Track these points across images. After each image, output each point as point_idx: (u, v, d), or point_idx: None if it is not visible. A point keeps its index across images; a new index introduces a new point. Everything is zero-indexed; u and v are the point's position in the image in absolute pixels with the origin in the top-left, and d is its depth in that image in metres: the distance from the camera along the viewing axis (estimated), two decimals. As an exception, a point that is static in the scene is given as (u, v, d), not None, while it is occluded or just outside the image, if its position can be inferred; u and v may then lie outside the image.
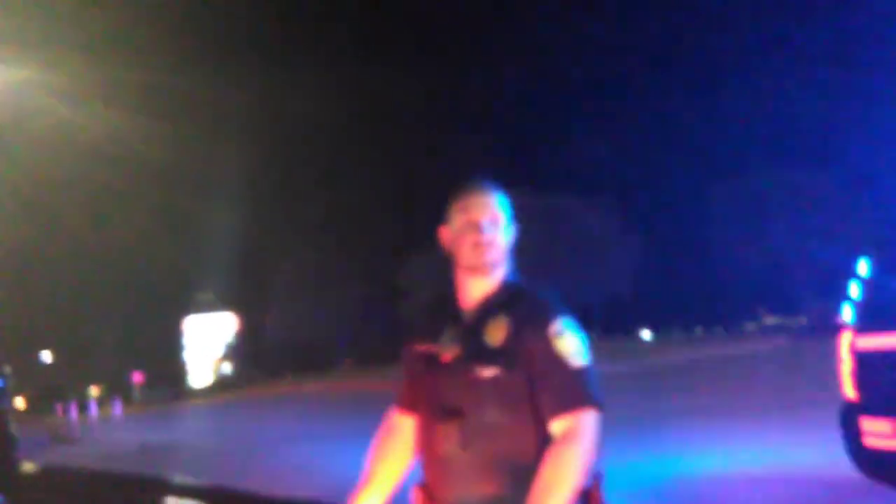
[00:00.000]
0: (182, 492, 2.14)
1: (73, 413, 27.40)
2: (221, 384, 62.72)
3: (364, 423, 3.75)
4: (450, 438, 1.81)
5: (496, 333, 1.84)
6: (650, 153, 59.80)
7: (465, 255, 1.92)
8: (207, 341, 72.40)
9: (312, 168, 70.17)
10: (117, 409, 29.26)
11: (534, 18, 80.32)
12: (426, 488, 1.90)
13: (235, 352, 70.77)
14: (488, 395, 1.80)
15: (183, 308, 70.24)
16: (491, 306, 1.89)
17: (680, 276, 58.85)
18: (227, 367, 70.93)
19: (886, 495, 4.69)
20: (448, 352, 1.88)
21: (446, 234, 2.00)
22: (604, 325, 54.43)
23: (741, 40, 67.54)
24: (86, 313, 55.21)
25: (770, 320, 57.12)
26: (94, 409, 30.50)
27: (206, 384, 65.70)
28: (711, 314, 59.23)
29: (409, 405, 2.02)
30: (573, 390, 1.79)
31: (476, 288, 1.93)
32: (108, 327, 58.65)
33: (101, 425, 25.14)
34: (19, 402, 45.74)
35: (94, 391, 52.46)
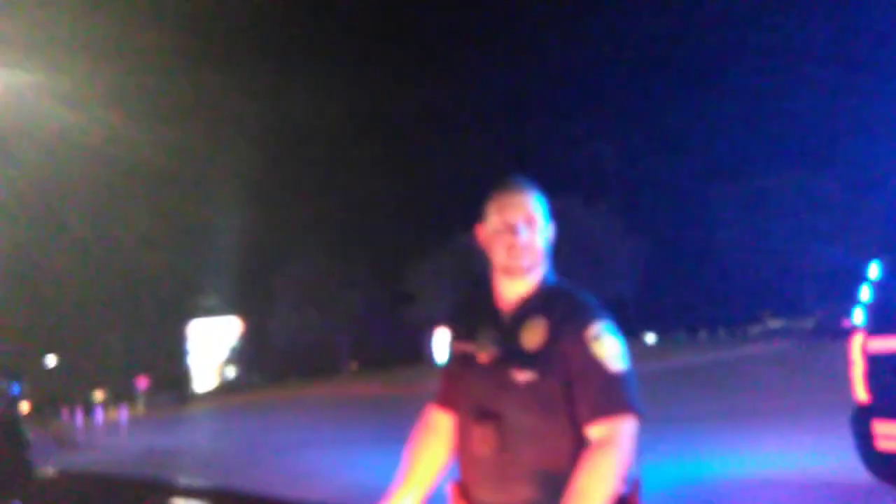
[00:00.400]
0: (196, 495, 2.12)
1: (79, 418, 27.43)
2: (226, 388, 62.77)
3: (368, 428, 3.75)
4: (485, 440, 1.81)
5: (533, 336, 1.82)
6: (654, 155, 59.84)
7: (500, 257, 1.90)
8: (212, 346, 72.50)
9: (318, 173, 70.35)
10: (123, 413, 29.24)
11: (538, 19, 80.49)
12: (462, 486, 1.89)
13: (240, 356, 70.82)
14: (524, 399, 1.78)
15: (187, 313, 70.38)
16: (528, 308, 1.87)
17: (684, 279, 58.87)
18: (232, 372, 70.99)
19: (899, 499, 4.66)
20: (485, 353, 1.86)
21: (482, 233, 1.98)
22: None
23: (747, 42, 67.63)
24: (90, 318, 55.35)
25: (774, 323, 56.89)
26: (99, 414, 30.51)
27: (210, 388, 65.75)
28: (715, 317, 59.13)
29: (448, 402, 2.01)
30: (610, 396, 1.75)
31: (512, 289, 1.91)
32: (113, 332, 58.81)
33: (107, 430, 25.13)
34: (24, 407, 45.78)
35: (98, 396, 52.53)
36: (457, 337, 1.98)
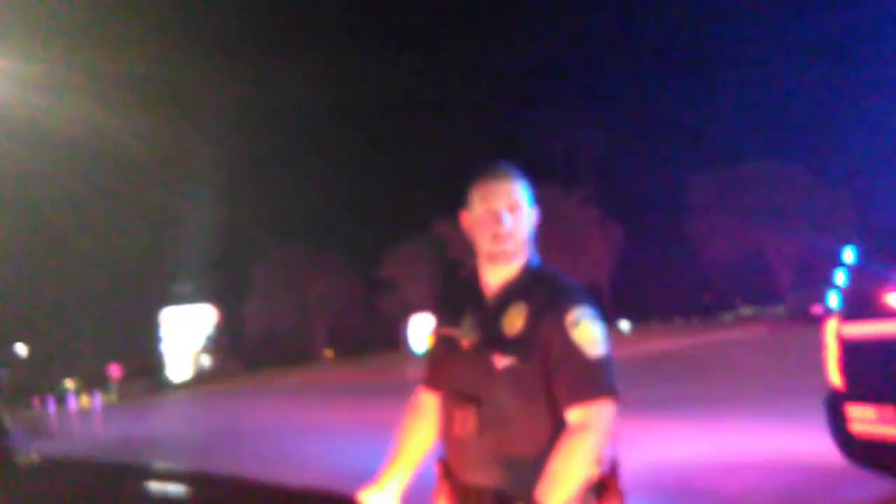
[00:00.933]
0: (177, 478, 2.11)
1: (51, 407, 27.09)
2: (201, 376, 62.33)
3: (344, 414, 3.76)
4: (466, 424, 1.84)
5: (514, 322, 1.83)
6: (631, 143, 60.16)
7: (484, 244, 1.92)
8: (186, 333, 71.87)
9: (294, 161, 69.74)
10: (97, 401, 28.93)
11: (517, 4, 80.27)
12: (445, 465, 1.94)
13: (215, 344, 70.33)
14: (504, 383, 1.80)
15: (161, 300, 69.68)
16: (511, 293, 1.88)
17: (658, 266, 59.46)
18: (207, 360, 70.48)
19: (872, 481, 4.76)
20: (467, 338, 1.89)
21: (466, 220, 1.99)
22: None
23: (728, 31, 68.13)
24: (62, 305, 54.56)
25: (746, 310, 57.80)
26: (72, 403, 30.16)
27: (185, 377, 65.23)
28: (689, 304, 59.89)
29: (434, 384, 2.06)
30: (589, 380, 1.77)
31: (496, 276, 1.92)
32: (85, 319, 58.05)
33: (80, 418, 24.86)
34: None
35: (70, 384, 51.89)
36: (441, 322, 2.01)
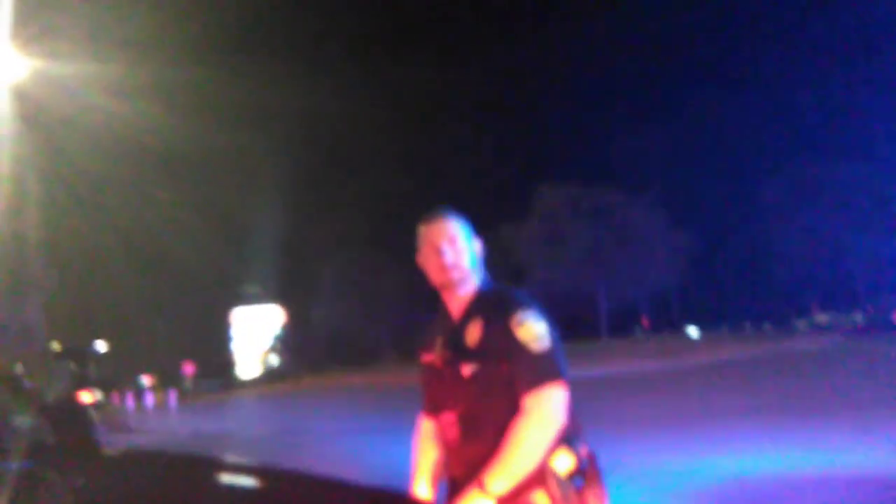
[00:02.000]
0: (253, 473, 2.20)
1: (129, 402, 28.17)
2: (269, 376, 63.75)
3: (406, 416, 3.83)
4: (450, 430, 2.10)
5: (473, 333, 2.08)
6: (698, 147, 58.81)
7: (434, 276, 2.20)
8: (255, 333, 73.65)
9: (362, 162, 70.74)
10: (172, 399, 29.95)
11: (581, 12, 79.49)
12: (452, 479, 2.15)
13: (283, 344, 71.83)
14: (473, 389, 2.05)
15: (231, 301, 71.58)
16: (470, 312, 2.14)
17: (729, 273, 57.83)
18: (275, 359, 72.07)
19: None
20: (439, 356, 2.16)
21: (419, 259, 2.25)
22: (650, 321, 53.70)
23: (803, 27, 65.78)
24: (138, 305, 56.68)
25: (822, 318, 55.55)
26: (149, 399, 31.29)
27: (254, 375, 66.86)
28: (761, 311, 57.97)
29: (428, 409, 2.29)
30: (536, 370, 1.99)
31: (454, 301, 2.19)
32: (160, 319, 60.14)
33: (156, 415, 25.79)
34: (86, 397, 46.92)
35: (146, 381, 53.82)
36: (425, 349, 2.26)
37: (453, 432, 2.09)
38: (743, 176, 55.74)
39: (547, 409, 1.96)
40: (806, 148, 56.29)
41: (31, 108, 18.87)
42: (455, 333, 2.14)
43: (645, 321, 55.14)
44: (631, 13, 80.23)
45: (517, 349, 2.00)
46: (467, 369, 2.05)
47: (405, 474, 2.26)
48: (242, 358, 73.83)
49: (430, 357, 2.21)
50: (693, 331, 54.29)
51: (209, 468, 2.15)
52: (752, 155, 59.37)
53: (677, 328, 53.63)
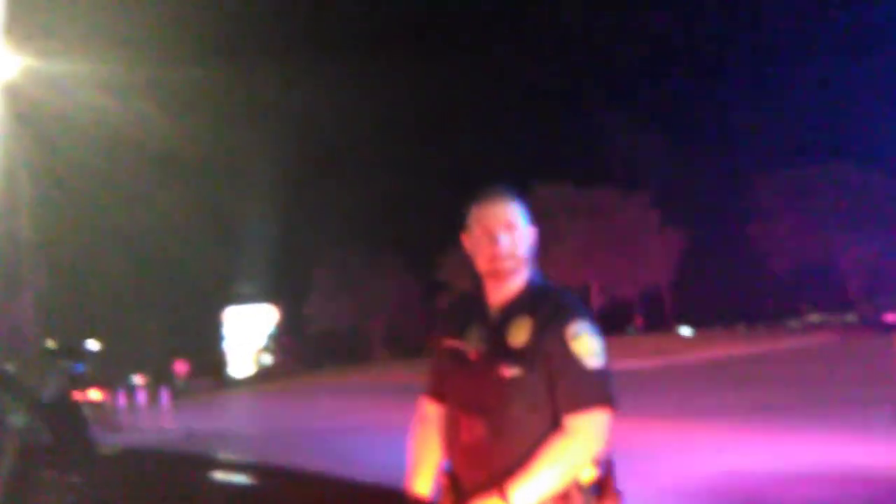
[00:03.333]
0: (248, 470, 2.20)
1: (121, 401, 28.05)
2: (262, 374, 63.68)
3: (400, 413, 3.84)
4: (474, 432, 1.92)
5: (519, 334, 1.92)
6: (692, 147, 58.92)
7: (483, 263, 2.02)
8: (248, 332, 73.52)
9: (354, 162, 70.67)
10: (164, 397, 29.84)
11: (575, 10, 79.48)
12: (451, 475, 2.01)
13: (275, 343, 71.71)
14: (510, 393, 1.89)
15: (223, 299, 71.41)
16: (515, 307, 1.97)
17: (722, 272, 58.01)
18: (267, 358, 71.94)
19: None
20: (474, 350, 1.98)
21: (467, 241, 2.09)
22: (644, 320, 53.83)
23: (787, 31, 66.07)
24: (128, 303, 56.48)
25: (814, 317, 55.81)
26: (141, 398, 31.19)
27: (247, 374, 66.76)
28: (754, 311, 58.15)
29: (438, 395, 2.14)
30: (585, 389, 1.87)
31: (498, 292, 2.01)
32: (151, 317, 59.92)
33: (148, 413, 25.70)
34: (96, 395, 46.75)
35: (139, 380, 53.65)
36: (448, 334, 2.08)
37: (477, 433, 1.91)
38: (736, 176, 55.81)
39: (592, 434, 1.84)
40: (799, 148, 56.59)
41: (24, 107, 18.77)
42: (495, 328, 1.97)
43: (638, 320, 55.27)
44: (625, 13, 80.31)
45: (569, 362, 1.86)
46: (508, 371, 1.88)
47: (399, 472, 2.18)
48: (235, 357, 73.66)
49: (460, 345, 2.02)
50: (686, 330, 54.43)
51: (204, 466, 2.16)
52: (745, 155, 59.51)
53: (671, 327, 53.75)
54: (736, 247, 54.81)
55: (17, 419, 2.26)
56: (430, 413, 2.16)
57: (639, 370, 23.68)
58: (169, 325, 60.99)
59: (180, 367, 49.94)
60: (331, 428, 13.74)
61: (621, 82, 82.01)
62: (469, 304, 2.09)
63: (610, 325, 51.69)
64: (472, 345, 1.99)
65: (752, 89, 69.55)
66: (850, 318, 45.38)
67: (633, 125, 54.57)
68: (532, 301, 1.97)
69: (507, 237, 1.98)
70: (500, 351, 1.92)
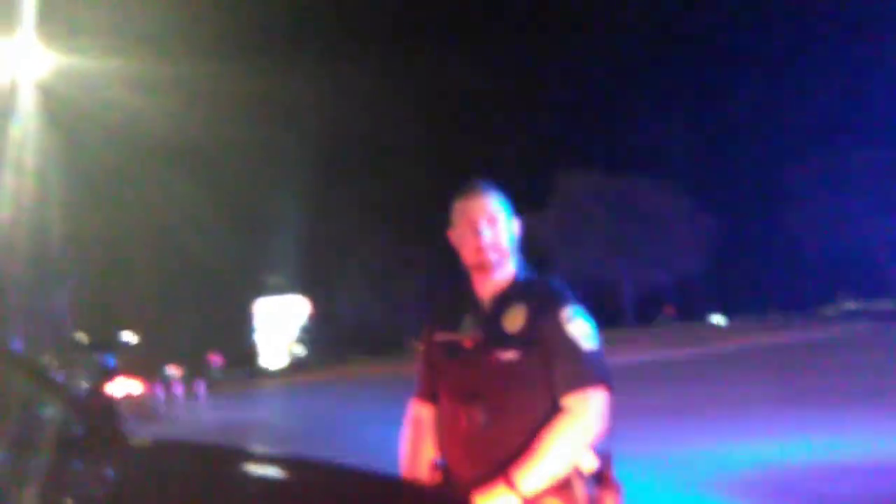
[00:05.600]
0: (287, 466, 2.20)
1: (158, 392, 28.57)
2: (294, 366, 64.39)
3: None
4: (472, 419, 1.93)
5: (515, 320, 1.96)
6: (723, 131, 58.07)
7: (468, 256, 2.06)
8: (280, 324, 74.35)
9: (383, 154, 70.90)
10: (201, 389, 30.35)
11: (601, -3, 78.58)
12: (444, 469, 2.03)
13: (307, 334, 72.43)
14: (509, 377, 1.92)
15: (256, 292, 72.28)
16: (508, 296, 2.01)
17: (755, 259, 57.22)
18: (300, 350, 72.71)
19: None
20: (469, 338, 2.00)
21: (452, 236, 2.12)
22: (676, 309, 53.28)
23: (822, 14, 64.56)
24: (163, 296, 57.40)
25: (850, 305, 54.76)
26: (178, 389, 31.71)
27: (279, 366, 67.57)
28: (788, 298, 57.24)
29: (428, 395, 2.15)
30: (582, 370, 1.90)
31: (486, 285, 2.05)
32: (185, 310, 60.84)
33: (185, 404, 26.14)
34: (136, 388, 47.84)
35: (174, 371, 54.59)
36: (440, 328, 2.10)
37: (477, 420, 1.92)
38: (769, 160, 54.89)
39: (591, 412, 1.86)
40: (833, 132, 55.39)
41: (54, 104, 19.10)
42: (490, 317, 1.99)
43: (670, 309, 54.75)
44: (654, -2, 79.20)
45: (565, 345, 1.90)
46: (506, 355, 1.91)
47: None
48: (268, 348, 74.58)
49: (454, 336, 2.03)
50: (718, 318, 53.79)
51: (234, 458, 2.15)
52: (778, 139, 58.52)
53: (703, 316, 53.18)
54: (770, 234, 54.05)
55: (50, 411, 2.28)
56: (421, 414, 2.16)
57: (670, 360, 23.48)
58: (203, 317, 61.90)
59: (215, 359, 50.71)
60: (361, 419, 13.83)
61: (652, 67, 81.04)
62: (458, 299, 2.11)
63: (641, 314, 51.36)
64: (467, 334, 2.01)
65: (786, 72, 68.19)
66: (888, 304, 44.46)
67: (663, 111, 53.90)
68: (524, 290, 2.01)
69: (490, 229, 2.02)
70: (496, 337, 1.95)
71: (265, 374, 59.49)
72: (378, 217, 59.44)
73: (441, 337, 2.09)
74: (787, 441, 7.41)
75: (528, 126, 75.34)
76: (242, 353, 65.36)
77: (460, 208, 2.08)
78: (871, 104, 51.39)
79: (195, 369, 48.00)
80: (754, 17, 74.38)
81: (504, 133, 72.68)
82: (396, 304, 57.71)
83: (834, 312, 51.97)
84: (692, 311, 53.32)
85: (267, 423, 16.06)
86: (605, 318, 51.10)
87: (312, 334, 71.62)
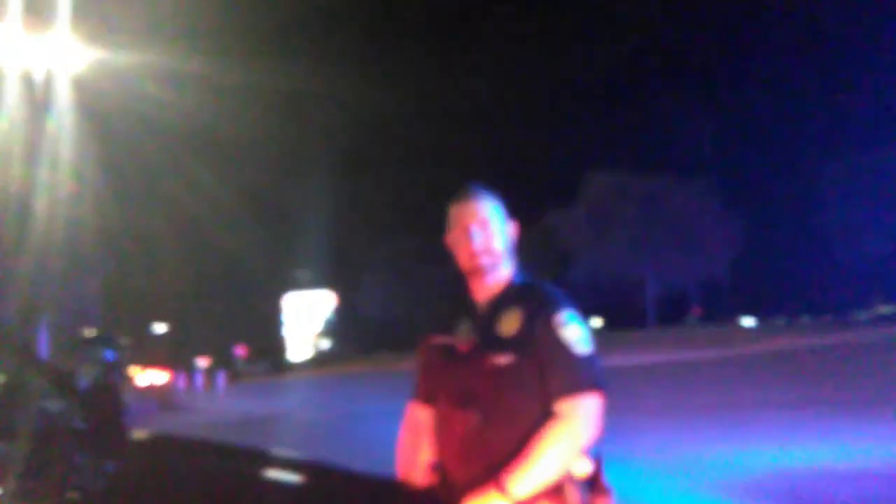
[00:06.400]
0: (282, 464, 2.23)
1: (181, 383, 29.00)
2: (319, 359, 64.86)
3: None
4: (468, 422, 1.94)
5: (510, 324, 1.96)
6: (752, 131, 57.18)
7: (462, 260, 2.07)
8: (306, 317, 74.90)
9: (409, 150, 71.05)
10: (221, 380, 30.74)
11: (632, -5, 77.76)
12: (439, 469, 2.03)
13: (333, 328, 72.88)
14: (504, 381, 1.92)
15: (283, 286, 72.88)
16: (503, 300, 2.02)
17: (787, 262, 56.33)
18: (325, 343, 73.20)
19: None
20: (465, 342, 2.01)
21: (448, 241, 2.13)
22: (702, 310, 52.66)
23: (850, 14, 63.20)
24: (192, 289, 58.12)
25: (885, 309, 53.65)
26: (200, 380, 32.14)
27: (304, 359, 68.09)
28: (821, 302, 56.32)
29: (426, 397, 2.14)
30: (576, 375, 1.90)
31: (482, 289, 2.06)
32: (214, 303, 61.56)
33: (207, 395, 26.48)
34: (135, 371, 48.77)
35: (201, 363, 55.29)
36: (437, 331, 2.12)
37: (471, 423, 1.92)
38: (799, 161, 54.09)
39: (584, 417, 1.86)
40: (867, 132, 54.26)
41: (89, 98, 19.43)
42: (485, 320, 2.00)
43: (696, 310, 54.15)
44: (685, -3, 78.25)
45: (559, 349, 1.89)
46: (501, 359, 1.91)
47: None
48: (293, 341, 75.19)
49: (449, 340, 2.05)
50: (748, 321, 53.04)
51: (230, 456, 2.19)
52: (808, 139, 57.57)
53: (731, 317, 52.48)
54: (801, 235, 53.20)
55: (55, 404, 2.34)
56: (419, 417, 2.16)
57: (695, 361, 23.25)
58: (233, 310, 62.57)
59: (240, 351, 51.26)
60: (383, 412, 13.88)
61: (678, 66, 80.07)
62: (456, 303, 2.12)
63: (666, 314, 50.84)
64: (462, 338, 2.02)
65: (816, 72, 66.96)
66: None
67: (690, 110, 53.24)
68: (519, 294, 2.01)
69: (481, 233, 2.02)
70: (491, 341, 1.96)
71: (289, 366, 60.01)
72: (405, 212, 59.69)
73: (437, 340, 2.10)
74: (803, 445, 7.33)
75: (555, 125, 74.96)
76: (270, 346, 65.95)
77: (454, 213, 2.09)
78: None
79: (219, 361, 48.59)
80: (787, 12, 73.11)
81: (531, 132, 72.40)
82: (422, 298, 57.85)
83: (866, 317, 50.99)
84: (720, 313, 52.69)
85: (285, 415, 16.20)
86: (627, 318, 50.88)
87: (337, 328, 72.06)
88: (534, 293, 2.00)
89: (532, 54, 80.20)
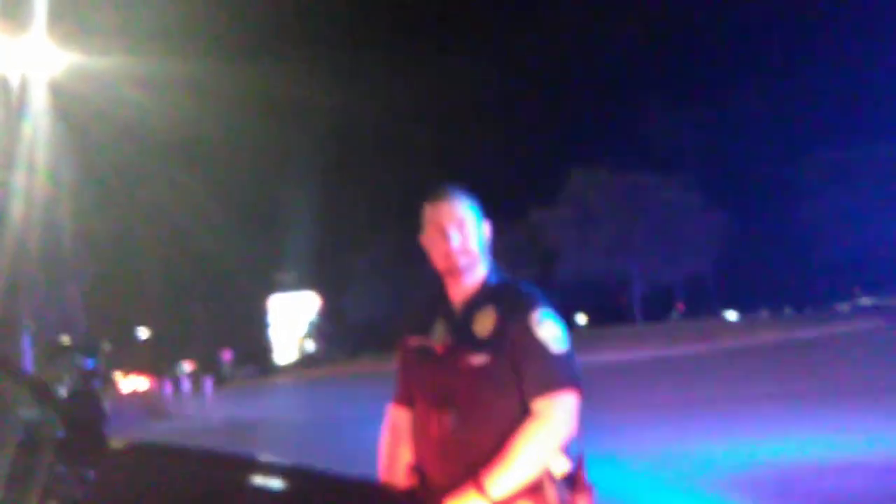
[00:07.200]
0: (266, 471, 2.20)
1: (167, 388, 28.78)
2: (305, 362, 64.67)
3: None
4: (444, 423, 1.93)
5: (485, 324, 1.95)
6: (733, 127, 57.59)
7: (438, 261, 2.06)
8: (291, 320, 74.67)
9: (395, 152, 70.97)
10: (208, 385, 30.55)
11: (612, -9, 78.13)
12: (418, 471, 2.02)
13: (318, 331, 72.72)
14: (479, 381, 1.91)
15: (267, 288, 72.62)
16: (478, 300, 2.01)
17: (768, 255, 56.80)
18: (311, 346, 73.00)
19: None
20: (440, 343, 2.00)
21: (424, 241, 2.12)
22: (686, 305, 53.04)
23: (830, 10, 63.89)
24: (178, 294, 57.79)
25: (865, 301, 54.30)
26: (186, 385, 31.93)
27: (290, 361, 67.87)
28: (802, 294, 56.87)
29: (405, 399, 2.14)
30: (552, 373, 1.89)
31: (458, 289, 2.05)
32: (199, 307, 61.23)
33: (193, 401, 26.29)
34: (119, 377, 48.47)
35: (187, 367, 54.95)
36: (413, 332, 2.11)
37: (445, 426, 1.91)
38: (781, 156, 54.49)
39: (560, 415, 1.85)
40: (846, 127, 54.92)
41: (66, 102, 19.22)
42: (460, 321, 1.99)
43: (680, 305, 54.50)
44: (664, -7, 78.74)
45: (535, 348, 1.89)
46: (476, 359, 1.90)
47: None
48: (279, 344, 74.92)
49: (425, 341, 2.04)
50: (731, 314, 53.46)
51: (214, 462, 2.16)
52: (790, 134, 58.08)
53: (714, 312, 52.87)
54: (784, 230, 53.65)
55: (32, 413, 2.29)
56: (399, 419, 2.16)
57: (681, 356, 23.39)
58: (217, 314, 62.29)
59: (226, 355, 51.01)
60: (369, 415, 13.85)
61: (661, 63, 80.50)
62: (432, 303, 2.11)
63: (651, 310, 51.12)
64: (438, 339, 2.01)
65: (797, 69, 67.62)
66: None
67: (673, 107, 53.51)
68: (494, 293, 2.01)
69: (458, 234, 2.02)
70: (466, 341, 1.95)
71: (275, 369, 59.80)
72: (388, 214, 59.63)
73: (414, 342, 2.10)
74: (794, 438, 7.37)
75: (537, 123, 75.15)
76: (256, 350, 65.68)
77: (429, 213, 2.08)
78: (885, 98, 50.86)
79: (206, 365, 48.31)
80: (765, 11, 73.68)
81: (513, 130, 72.51)
82: (407, 300, 57.84)
83: (848, 309, 51.54)
84: (704, 308, 53.05)
85: (271, 420, 16.13)
86: (613, 316, 51.08)
87: (322, 330, 71.91)
88: (509, 292, 2.00)
89: (514, 52, 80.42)
